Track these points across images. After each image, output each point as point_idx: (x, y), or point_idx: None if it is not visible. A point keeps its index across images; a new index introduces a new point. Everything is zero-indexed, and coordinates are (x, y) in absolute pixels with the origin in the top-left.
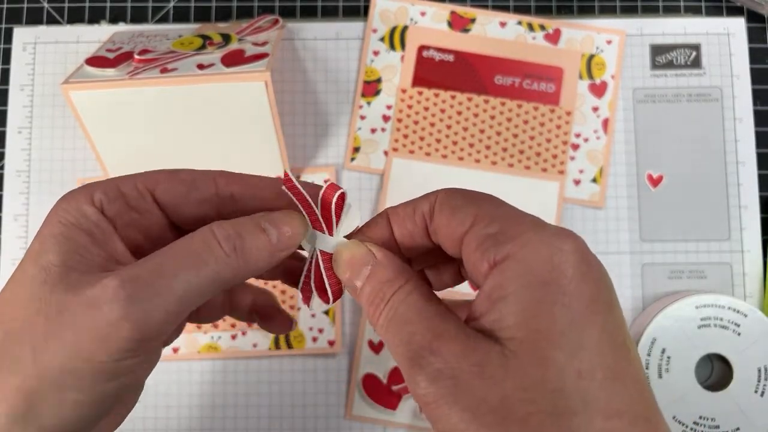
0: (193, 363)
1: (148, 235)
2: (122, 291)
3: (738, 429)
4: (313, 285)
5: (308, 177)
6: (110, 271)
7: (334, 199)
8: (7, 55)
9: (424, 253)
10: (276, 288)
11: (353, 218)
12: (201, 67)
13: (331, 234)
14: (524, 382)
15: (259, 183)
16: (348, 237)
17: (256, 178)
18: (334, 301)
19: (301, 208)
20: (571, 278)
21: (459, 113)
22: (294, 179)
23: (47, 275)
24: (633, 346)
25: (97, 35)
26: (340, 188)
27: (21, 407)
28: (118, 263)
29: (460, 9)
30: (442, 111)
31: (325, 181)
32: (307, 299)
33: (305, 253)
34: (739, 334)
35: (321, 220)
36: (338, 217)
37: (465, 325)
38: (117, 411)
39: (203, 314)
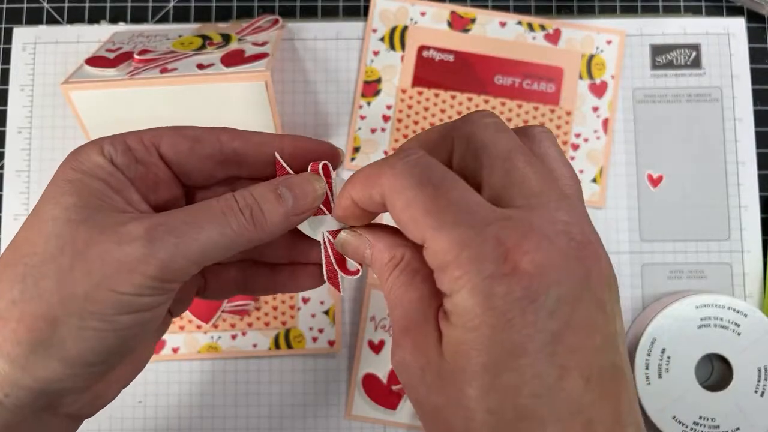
0: (194, 363)
1: (155, 189)
2: (151, 232)
3: (738, 429)
4: (336, 266)
5: None
6: (133, 214)
7: (320, 168)
8: (6, 55)
9: None
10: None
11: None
12: (201, 67)
13: (330, 212)
14: (451, 401)
15: (261, 140)
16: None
17: (258, 135)
18: (359, 271)
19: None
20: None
21: (459, 113)
22: (282, 162)
23: (71, 215)
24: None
25: (97, 35)
26: (320, 162)
27: (44, 334)
28: (136, 210)
29: (460, 9)
30: (442, 111)
31: (314, 164)
32: (336, 284)
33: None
34: (739, 334)
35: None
36: (330, 188)
37: (432, 316)
38: (130, 362)
39: (214, 288)
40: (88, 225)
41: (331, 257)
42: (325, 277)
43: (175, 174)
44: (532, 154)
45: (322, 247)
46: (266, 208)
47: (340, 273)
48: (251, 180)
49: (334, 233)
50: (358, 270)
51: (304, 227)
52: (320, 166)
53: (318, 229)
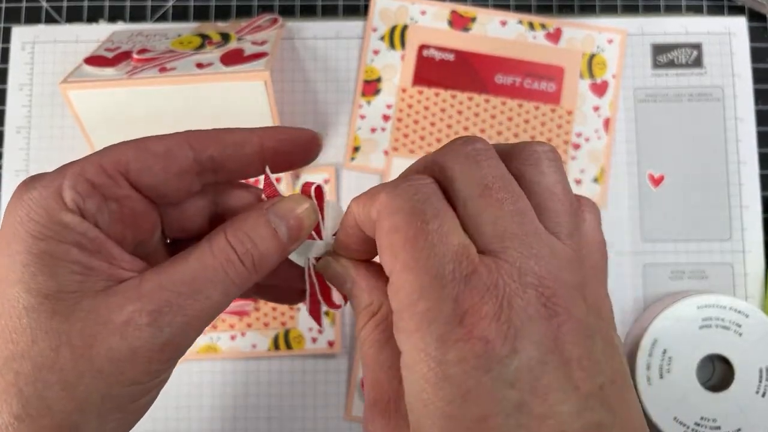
0: (193, 363)
1: (132, 225)
2: (156, 316)
3: (739, 430)
4: (320, 296)
5: (308, 177)
6: (122, 283)
7: (313, 191)
8: (5, 54)
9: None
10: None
11: (337, 214)
12: (200, 66)
13: (320, 237)
14: None
15: (237, 140)
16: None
17: (232, 134)
18: (344, 305)
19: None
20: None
21: (459, 113)
22: (272, 180)
23: (53, 304)
24: None
25: (95, 34)
26: (314, 183)
27: None
28: (123, 269)
29: (460, 8)
30: (443, 110)
31: (306, 185)
32: (318, 317)
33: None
34: (740, 334)
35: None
36: (322, 211)
37: (399, 385)
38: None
39: None
40: (79, 316)
41: (316, 286)
42: (307, 309)
43: (148, 198)
44: (513, 186)
45: (306, 275)
46: (263, 248)
47: (323, 304)
48: (227, 184)
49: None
50: (340, 306)
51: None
52: (313, 188)
53: (304, 254)
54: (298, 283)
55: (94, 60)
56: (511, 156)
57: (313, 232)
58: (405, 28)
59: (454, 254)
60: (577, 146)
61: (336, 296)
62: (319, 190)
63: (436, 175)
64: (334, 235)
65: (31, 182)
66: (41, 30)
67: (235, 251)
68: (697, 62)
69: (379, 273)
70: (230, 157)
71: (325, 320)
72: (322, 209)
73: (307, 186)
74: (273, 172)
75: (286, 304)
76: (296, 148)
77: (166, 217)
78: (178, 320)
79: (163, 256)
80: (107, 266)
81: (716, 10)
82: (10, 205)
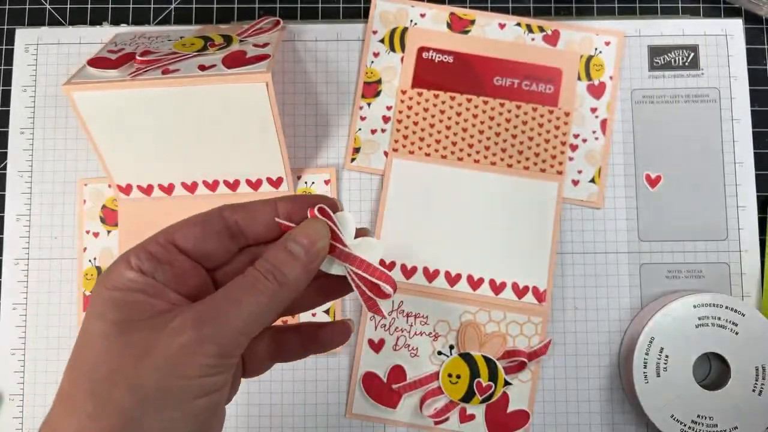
0: None
1: (184, 281)
2: (199, 319)
3: (736, 428)
4: (370, 293)
5: (309, 177)
6: (176, 311)
7: (317, 211)
8: (9, 55)
9: None
10: None
11: (349, 222)
12: (202, 68)
13: (344, 245)
14: None
15: (258, 207)
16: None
17: (256, 204)
18: (394, 291)
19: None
20: None
21: (458, 114)
22: (285, 223)
23: (121, 328)
24: None
25: (99, 36)
26: (316, 206)
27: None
28: (176, 307)
29: (459, 10)
30: (442, 112)
31: (310, 210)
32: (378, 311)
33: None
34: (736, 333)
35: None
36: (334, 223)
37: None
38: None
39: (251, 367)
40: (141, 332)
41: (363, 287)
42: (366, 308)
43: (196, 260)
44: None
45: (350, 281)
46: (285, 267)
47: (376, 299)
48: (263, 245)
49: (357, 261)
50: (390, 294)
51: (327, 267)
52: (316, 210)
53: (339, 265)
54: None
55: (97, 61)
56: None
57: (337, 244)
58: (405, 30)
59: None
60: (574, 147)
61: (384, 288)
62: (321, 210)
63: None
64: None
65: (111, 265)
66: (45, 32)
67: (259, 271)
68: (694, 64)
69: None
70: (251, 220)
71: (326, 319)
72: (333, 221)
73: (311, 211)
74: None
75: (336, 344)
76: (304, 212)
77: (218, 275)
78: (216, 322)
79: None
80: (163, 304)
81: (713, 12)
82: (97, 280)
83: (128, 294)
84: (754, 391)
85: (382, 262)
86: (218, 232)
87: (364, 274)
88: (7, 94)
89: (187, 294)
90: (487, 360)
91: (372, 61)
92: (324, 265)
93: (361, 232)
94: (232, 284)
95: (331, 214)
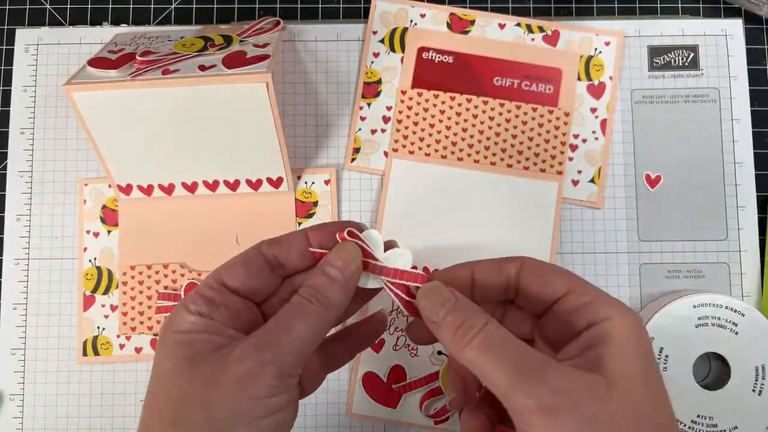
0: None
1: (238, 317)
2: (258, 345)
3: (736, 428)
4: (407, 298)
5: (309, 177)
6: (236, 344)
7: (346, 234)
8: (9, 56)
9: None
10: None
11: (376, 238)
12: (202, 68)
13: (376, 259)
14: (626, 403)
15: (292, 239)
16: (431, 278)
17: (289, 237)
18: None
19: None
20: (647, 344)
21: (458, 114)
22: (318, 251)
23: (189, 363)
24: None
25: (99, 36)
26: (345, 229)
27: None
28: (234, 340)
29: (459, 11)
30: (442, 112)
31: (339, 234)
32: (416, 313)
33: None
34: (736, 333)
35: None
36: (362, 240)
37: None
38: None
39: (307, 385)
40: (208, 365)
41: (401, 294)
42: (406, 313)
43: (246, 297)
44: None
45: (388, 291)
46: (325, 290)
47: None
48: (301, 274)
49: (390, 271)
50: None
51: (363, 283)
52: (345, 233)
53: (374, 278)
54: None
55: (97, 62)
56: None
57: (370, 260)
58: (405, 30)
59: None
60: (574, 147)
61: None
62: (349, 232)
63: None
64: (429, 277)
65: (172, 312)
66: (45, 32)
67: (303, 297)
68: (694, 64)
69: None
70: (287, 251)
71: None
72: (361, 239)
73: (341, 235)
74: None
75: (378, 335)
76: (333, 237)
77: (265, 308)
78: (274, 347)
79: None
80: (223, 339)
81: (712, 12)
82: (161, 326)
83: (192, 335)
84: (753, 391)
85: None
86: (260, 268)
87: (399, 281)
88: (7, 94)
89: (243, 329)
90: None
91: (372, 62)
92: (360, 281)
93: (389, 245)
94: (282, 312)
95: (359, 234)
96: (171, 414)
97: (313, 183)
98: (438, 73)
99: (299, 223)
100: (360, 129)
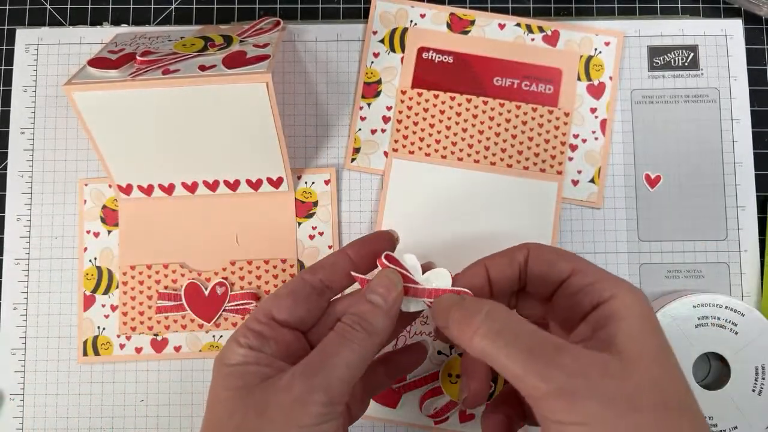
0: (195, 362)
1: (287, 348)
2: (305, 374)
3: (736, 428)
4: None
5: (309, 177)
6: (284, 373)
7: (384, 260)
8: (9, 56)
9: (507, 293)
10: None
11: (414, 261)
12: (203, 68)
13: (416, 282)
14: (644, 381)
15: (334, 261)
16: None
17: (330, 259)
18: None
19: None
20: (654, 321)
21: (458, 114)
22: (359, 276)
23: (242, 392)
24: None
25: (99, 37)
26: (383, 254)
27: None
28: (282, 371)
29: (459, 11)
30: (442, 112)
31: (379, 260)
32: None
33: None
34: (736, 333)
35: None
36: (401, 266)
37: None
38: None
39: (354, 411)
40: (259, 393)
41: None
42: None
43: (294, 327)
44: None
45: (430, 312)
46: (369, 317)
47: None
48: (346, 298)
49: (431, 293)
50: None
51: (406, 307)
52: (384, 259)
53: (416, 301)
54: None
55: (97, 62)
56: None
57: (410, 284)
58: (405, 30)
59: None
60: (574, 147)
61: None
62: (388, 257)
63: None
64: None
65: (224, 346)
66: (45, 32)
67: (348, 324)
68: (694, 64)
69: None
70: (330, 274)
71: None
72: (400, 265)
73: (379, 261)
74: (369, 266)
75: (417, 365)
76: (377, 246)
77: (310, 336)
78: (321, 374)
79: None
80: (273, 371)
81: (712, 12)
82: (215, 360)
83: (243, 367)
84: (753, 391)
85: (381, 262)
86: (307, 296)
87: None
88: (7, 94)
89: (292, 360)
90: None
91: (372, 62)
92: (403, 305)
93: (427, 266)
94: (327, 340)
95: (398, 259)
96: None
97: (313, 183)
98: (438, 73)
99: (299, 223)
100: (360, 129)
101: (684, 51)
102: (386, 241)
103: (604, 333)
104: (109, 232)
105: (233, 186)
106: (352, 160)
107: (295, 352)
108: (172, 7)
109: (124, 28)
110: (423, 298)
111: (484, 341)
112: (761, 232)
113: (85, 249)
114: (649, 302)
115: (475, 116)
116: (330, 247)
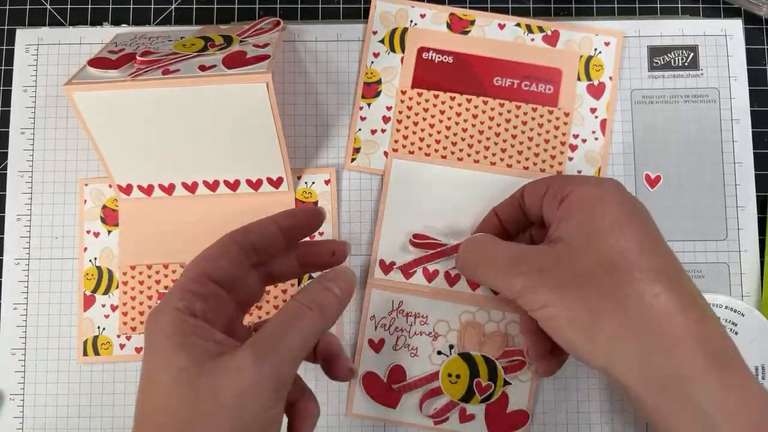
0: None
1: (221, 311)
2: (257, 357)
3: None
4: None
5: (309, 177)
6: (230, 351)
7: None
8: (9, 56)
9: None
10: (278, 288)
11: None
12: (203, 68)
13: (444, 245)
14: (589, 260)
15: (264, 226)
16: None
17: (261, 223)
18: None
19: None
20: (612, 200)
21: (458, 114)
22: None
23: (188, 374)
24: (664, 240)
25: (99, 37)
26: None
27: None
28: (224, 345)
29: (459, 11)
30: (442, 112)
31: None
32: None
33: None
34: (736, 333)
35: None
36: (430, 239)
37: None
38: None
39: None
40: (207, 377)
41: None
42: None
43: (225, 289)
44: None
45: None
46: (325, 301)
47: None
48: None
49: None
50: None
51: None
52: (413, 237)
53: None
54: None
55: (97, 62)
56: None
57: (440, 248)
58: (405, 30)
59: None
60: (574, 147)
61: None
62: (416, 235)
63: None
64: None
65: (155, 308)
66: (45, 32)
67: (303, 303)
68: (694, 64)
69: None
70: (262, 238)
71: None
72: (429, 239)
73: (411, 242)
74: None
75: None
76: (304, 221)
77: (237, 298)
78: (273, 358)
79: (248, 336)
80: (215, 344)
81: (712, 12)
82: (148, 325)
83: (184, 339)
84: None
85: (381, 262)
86: (239, 257)
87: None
88: (7, 95)
89: (224, 324)
90: (487, 360)
91: (372, 62)
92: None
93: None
94: (277, 318)
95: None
96: (177, 426)
97: (313, 183)
98: (438, 73)
99: None
100: (360, 129)
101: (684, 51)
102: (315, 217)
103: (563, 226)
104: (109, 232)
105: (233, 186)
106: (352, 160)
107: (229, 315)
108: (172, 7)
109: (124, 28)
110: (453, 255)
111: (466, 270)
112: (761, 232)
113: (85, 249)
114: (610, 187)
115: (475, 116)
116: None
